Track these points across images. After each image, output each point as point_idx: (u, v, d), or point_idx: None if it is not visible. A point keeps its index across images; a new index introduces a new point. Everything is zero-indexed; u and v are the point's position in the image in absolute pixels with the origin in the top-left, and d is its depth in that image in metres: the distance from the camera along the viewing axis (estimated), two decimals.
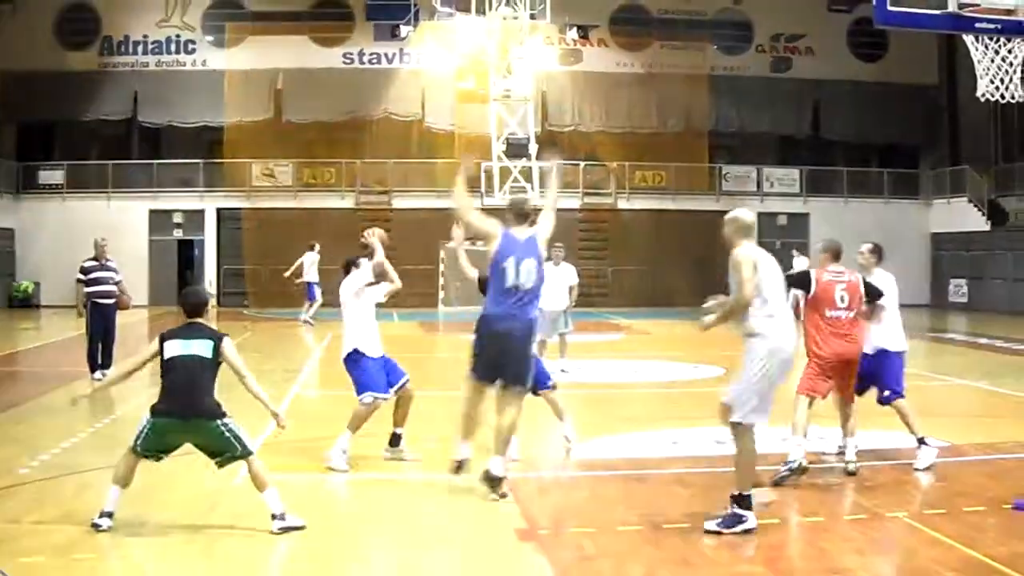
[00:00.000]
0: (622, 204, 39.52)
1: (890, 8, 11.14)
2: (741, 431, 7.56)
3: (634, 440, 11.41)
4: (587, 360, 19.01)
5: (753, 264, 7.62)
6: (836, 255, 9.69)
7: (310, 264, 28.58)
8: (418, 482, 9.34)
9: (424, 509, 8.45)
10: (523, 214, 8.76)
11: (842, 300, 9.37)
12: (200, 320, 7.86)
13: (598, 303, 35.17)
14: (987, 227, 38.90)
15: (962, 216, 39.63)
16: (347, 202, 38.30)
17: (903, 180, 41.87)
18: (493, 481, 8.38)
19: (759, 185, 40.52)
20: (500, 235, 8.58)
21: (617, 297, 37.86)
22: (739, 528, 7.37)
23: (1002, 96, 12.87)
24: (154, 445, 7.58)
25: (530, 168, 35.86)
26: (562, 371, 16.48)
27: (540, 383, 9.91)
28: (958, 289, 39.72)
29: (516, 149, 36.54)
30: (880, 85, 40.84)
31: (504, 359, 8.57)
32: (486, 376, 8.66)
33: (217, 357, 7.62)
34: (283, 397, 13.60)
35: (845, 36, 41.23)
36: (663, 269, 37.45)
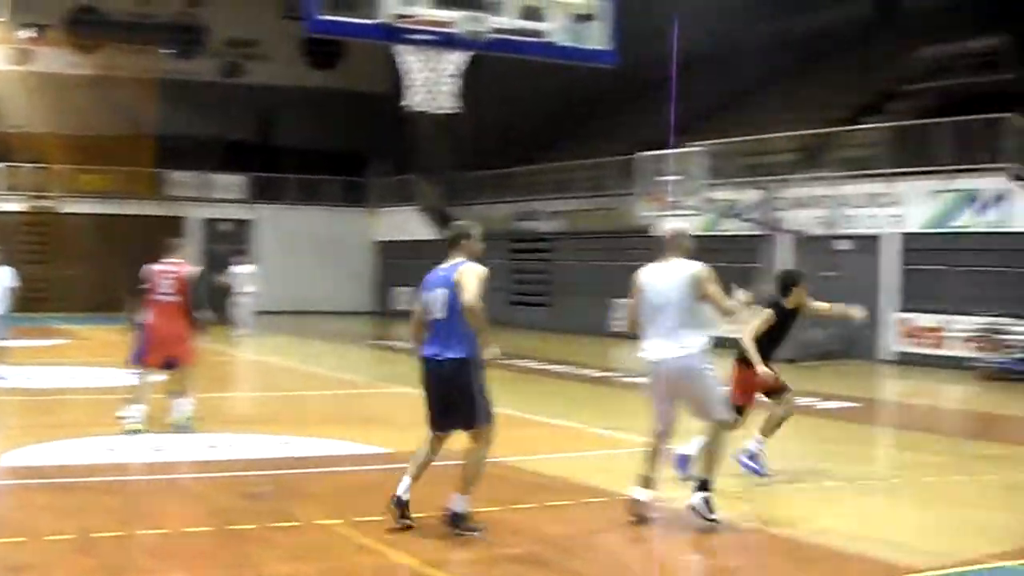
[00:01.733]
0: (68, 208, 39.06)
1: (321, 17, 11.08)
2: None
3: (67, 447, 11.18)
4: (27, 366, 18.49)
5: None
6: (169, 250, 12.23)
7: None
8: None
9: None
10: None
11: (166, 287, 11.85)
12: None
13: (40, 308, 34.70)
14: (438, 235, 41.13)
15: (411, 224, 41.01)
16: None
17: (351, 188, 43.09)
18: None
19: (205, 190, 40.85)
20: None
21: (60, 302, 37.43)
22: None
23: (437, 108, 13.14)
24: None
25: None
26: (1, 378, 16.55)
27: None
28: (403, 296, 41.81)
29: None
30: (333, 93, 42.36)
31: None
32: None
33: None
34: None
35: (299, 44, 42.24)
36: (107, 274, 36.75)
